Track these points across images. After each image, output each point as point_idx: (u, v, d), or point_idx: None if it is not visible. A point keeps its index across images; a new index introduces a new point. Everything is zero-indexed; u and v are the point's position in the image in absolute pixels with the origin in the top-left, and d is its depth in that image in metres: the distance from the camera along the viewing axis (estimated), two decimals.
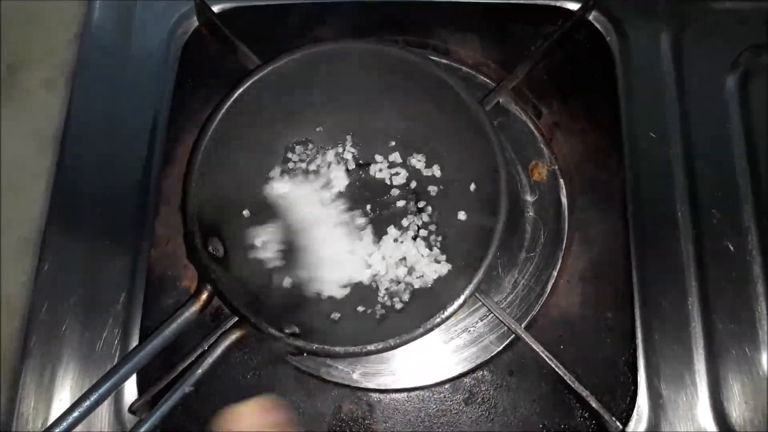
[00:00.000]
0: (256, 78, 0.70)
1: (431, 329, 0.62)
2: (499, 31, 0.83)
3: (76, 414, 0.60)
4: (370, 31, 0.83)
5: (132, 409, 0.68)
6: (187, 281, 0.74)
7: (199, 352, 0.69)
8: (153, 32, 0.85)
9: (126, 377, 0.64)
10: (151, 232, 0.76)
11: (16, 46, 1.19)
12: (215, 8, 0.84)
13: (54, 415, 0.69)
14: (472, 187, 0.73)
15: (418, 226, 0.76)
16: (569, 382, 0.67)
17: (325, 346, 0.63)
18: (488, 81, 0.81)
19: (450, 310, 0.63)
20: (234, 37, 0.80)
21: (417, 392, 0.70)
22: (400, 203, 0.77)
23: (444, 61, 0.82)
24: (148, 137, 0.80)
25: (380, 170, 0.79)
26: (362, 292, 0.73)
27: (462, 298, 0.63)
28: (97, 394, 0.61)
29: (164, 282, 0.74)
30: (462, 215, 0.74)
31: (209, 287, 0.66)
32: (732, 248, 0.74)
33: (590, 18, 0.83)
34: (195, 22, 0.85)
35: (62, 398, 0.70)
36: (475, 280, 0.63)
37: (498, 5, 0.85)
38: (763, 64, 0.81)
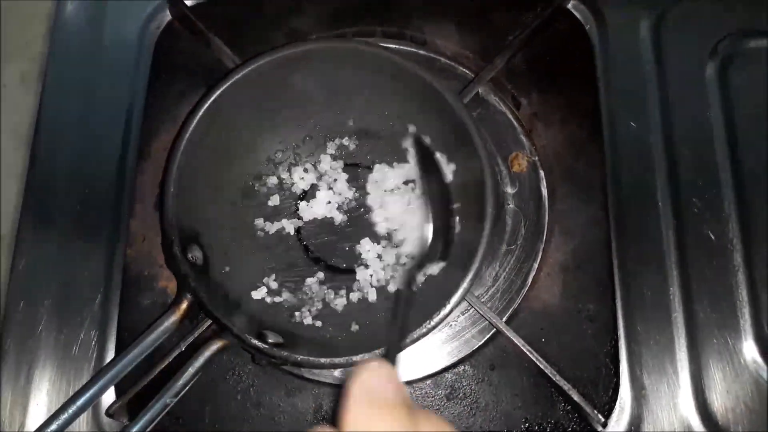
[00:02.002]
0: (233, 80, 0.69)
1: (418, 339, 0.62)
2: (477, 21, 0.82)
3: (53, 427, 0.59)
4: (347, 22, 0.82)
5: (110, 412, 0.67)
6: (164, 281, 0.73)
7: (176, 353, 0.67)
8: (126, 26, 0.83)
9: (104, 389, 0.63)
10: (127, 230, 0.75)
11: None
12: (188, 1, 0.82)
13: (30, 418, 0.68)
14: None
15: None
16: (551, 376, 0.66)
17: (310, 358, 0.62)
18: (467, 72, 0.80)
19: (436, 320, 0.62)
20: (208, 31, 0.78)
21: None
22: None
23: (422, 52, 0.81)
24: (123, 133, 0.78)
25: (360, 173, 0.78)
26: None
27: (448, 308, 0.62)
28: (75, 406, 0.61)
29: (141, 281, 0.73)
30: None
31: (189, 296, 0.65)
32: (713, 237, 0.74)
33: (569, 6, 0.82)
34: (168, 16, 0.83)
35: (39, 401, 0.69)
36: (460, 291, 0.62)
37: None
38: (743, 51, 0.80)
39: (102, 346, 0.71)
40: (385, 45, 0.74)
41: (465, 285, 0.62)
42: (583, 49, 0.80)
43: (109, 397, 0.69)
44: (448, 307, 0.62)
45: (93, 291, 0.73)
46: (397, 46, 0.80)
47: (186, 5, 0.80)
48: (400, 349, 0.49)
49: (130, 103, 0.80)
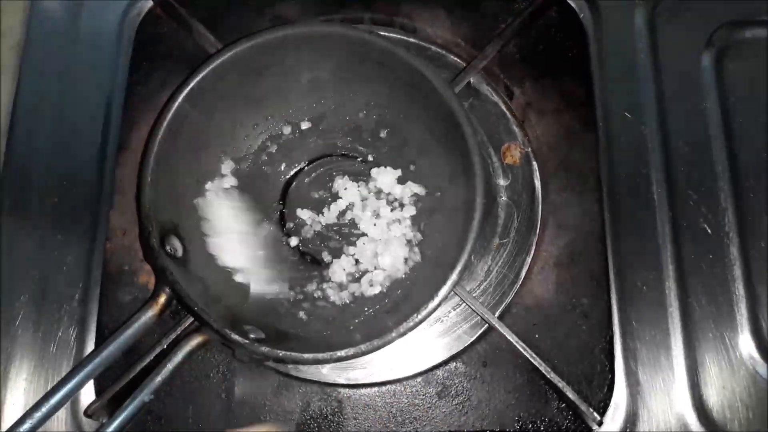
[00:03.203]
0: (213, 65, 0.66)
1: (405, 333, 0.60)
2: (468, 8, 0.80)
3: (27, 426, 0.56)
4: (334, 9, 0.80)
5: (88, 413, 0.65)
6: (145, 276, 0.70)
7: (158, 350, 0.65)
8: (105, 13, 0.80)
9: (81, 385, 0.61)
10: (106, 223, 0.72)
11: None
12: None
13: (6, 418, 0.66)
14: (446, 180, 0.70)
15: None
16: (545, 373, 0.65)
17: (293, 353, 0.59)
18: (458, 60, 0.78)
19: (423, 313, 0.60)
20: (190, 17, 0.75)
21: (388, 386, 0.68)
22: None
23: (412, 40, 0.78)
24: (102, 123, 0.76)
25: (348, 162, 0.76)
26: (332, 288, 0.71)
27: (436, 300, 0.60)
28: (49, 404, 0.58)
29: (121, 276, 0.71)
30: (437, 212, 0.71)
31: (167, 290, 0.62)
32: (709, 230, 0.72)
33: None
34: (149, 3, 0.80)
35: (15, 401, 0.67)
36: (450, 282, 0.60)
37: None
38: (738, 42, 0.79)
39: (81, 344, 0.69)
40: (371, 30, 0.72)
41: (453, 277, 0.60)
42: (577, 39, 0.79)
43: (87, 396, 0.67)
44: (436, 300, 0.60)
45: (71, 286, 0.70)
46: (386, 34, 0.77)
47: None
48: None
49: (110, 92, 0.77)
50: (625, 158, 0.75)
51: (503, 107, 0.77)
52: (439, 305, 0.60)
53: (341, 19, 0.79)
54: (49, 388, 0.65)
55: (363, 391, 0.67)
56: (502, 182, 0.75)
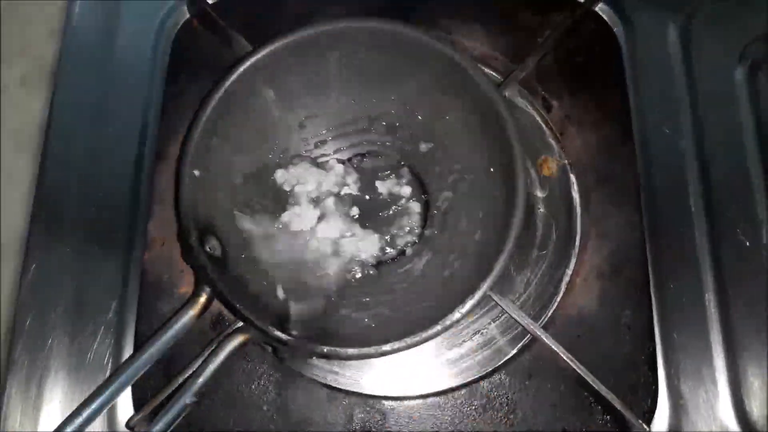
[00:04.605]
0: (248, 63, 0.66)
1: (450, 326, 0.60)
2: (504, 22, 0.81)
3: (69, 430, 0.56)
4: None
5: (129, 425, 0.64)
6: (185, 287, 0.70)
7: (199, 362, 0.64)
8: (140, 26, 0.80)
9: (120, 390, 0.61)
10: (144, 233, 0.72)
11: None
12: None
13: (42, 427, 0.65)
14: (486, 178, 0.70)
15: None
16: (591, 384, 0.64)
17: (338, 348, 0.59)
18: (494, 74, 0.79)
19: (468, 304, 0.60)
20: (228, 28, 0.76)
21: (432, 399, 0.67)
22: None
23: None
24: (139, 134, 0.76)
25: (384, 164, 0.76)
26: (369, 282, 0.71)
27: (483, 288, 0.60)
28: (89, 410, 0.58)
29: (159, 287, 0.70)
30: (475, 209, 0.71)
31: (207, 289, 0.62)
32: (747, 242, 0.72)
33: (597, 9, 0.81)
34: (185, 15, 0.81)
35: (51, 414, 0.66)
36: (495, 272, 0.61)
37: None
38: None
39: (117, 356, 0.68)
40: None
41: (489, 281, 0.61)
42: (611, 53, 0.79)
43: (126, 409, 0.66)
44: (479, 293, 0.60)
45: (108, 298, 0.70)
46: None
47: (207, 2, 0.78)
48: None
49: (147, 104, 0.77)
50: (662, 170, 0.75)
51: (539, 120, 0.77)
52: (483, 297, 0.61)
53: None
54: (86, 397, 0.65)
55: (407, 403, 0.67)
56: (539, 194, 0.75)
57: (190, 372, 0.64)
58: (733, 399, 0.67)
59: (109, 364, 0.67)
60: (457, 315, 0.60)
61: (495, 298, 0.67)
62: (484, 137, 0.68)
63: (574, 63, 0.79)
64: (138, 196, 0.73)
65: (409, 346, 0.59)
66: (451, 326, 0.60)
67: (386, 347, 0.59)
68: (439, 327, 0.59)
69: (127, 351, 0.68)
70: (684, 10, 0.81)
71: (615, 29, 0.80)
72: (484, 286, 0.60)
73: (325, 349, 0.59)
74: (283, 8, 0.81)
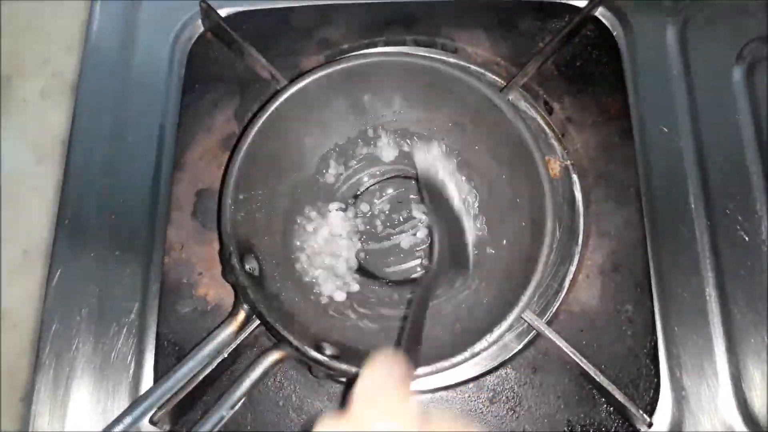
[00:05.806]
0: (287, 95, 0.70)
1: (490, 345, 0.63)
2: (506, 29, 0.83)
3: None
4: (377, 31, 0.83)
5: (153, 420, 0.67)
6: (203, 289, 0.73)
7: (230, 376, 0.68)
8: (157, 39, 0.84)
9: (161, 399, 0.64)
10: (164, 239, 0.75)
11: (11, 57, 1.17)
12: (221, 12, 0.83)
13: (69, 427, 0.68)
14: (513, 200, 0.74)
15: None
16: (594, 377, 0.66)
17: None
18: (497, 79, 0.81)
19: (504, 325, 0.63)
20: (241, 41, 0.79)
21: (441, 393, 0.70)
22: None
23: (452, 60, 0.81)
24: (157, 143, 0.79)
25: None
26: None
27: (510, 319, 0.63)
28: (131, 417, 0.61)
29: (179, 289, 0.73)
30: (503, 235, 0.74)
31: (246, 307, 0.65)
32: (746, 237, 0.74)
33: (596, 13, 0.83)
34: (200, 28, 0.84)
35: (77, 414, 0.69)
36: (525, 299, 0.64)
37: (505, 2, 0.85)
38: None
39: (140, 355, 0.71)
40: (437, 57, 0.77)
41: (525, 299, 0.64)
42: (611, 55, 0.82)
43: None
44: (510, 318, 0.63)
45: (130, 301, 0.73)
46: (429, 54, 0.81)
47: (220, 16, 0.81)
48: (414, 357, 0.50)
49: (164, 114, 0.80)
50: (662, 169, 0.77)
51: (542, 122, 0.80)
52: (511, 325, 0.64)
53: (385, 41, 0.82)
54: (109, 399, 0.70)
55: (417, 397, 0.69)
56: None
57: (211, 368, 0.67)
58: (734, 390, 0.69)
59: (132, 364, 0.71)
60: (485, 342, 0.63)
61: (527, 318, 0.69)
62: (514, 171, 0.72)
63: (575, 66, 0.81)
64: (157, 203, 0.77)
65: (446, 369, 0.62)
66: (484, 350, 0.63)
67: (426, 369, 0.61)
68: (467, 354, 0.62)
69: (150, 351, 0.71)
70: (682, 12, 0.84)
71: (614, 33, 0.83)
72: (516, 311, 0.64)
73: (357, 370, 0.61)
74: (293, 21, 0.84)
